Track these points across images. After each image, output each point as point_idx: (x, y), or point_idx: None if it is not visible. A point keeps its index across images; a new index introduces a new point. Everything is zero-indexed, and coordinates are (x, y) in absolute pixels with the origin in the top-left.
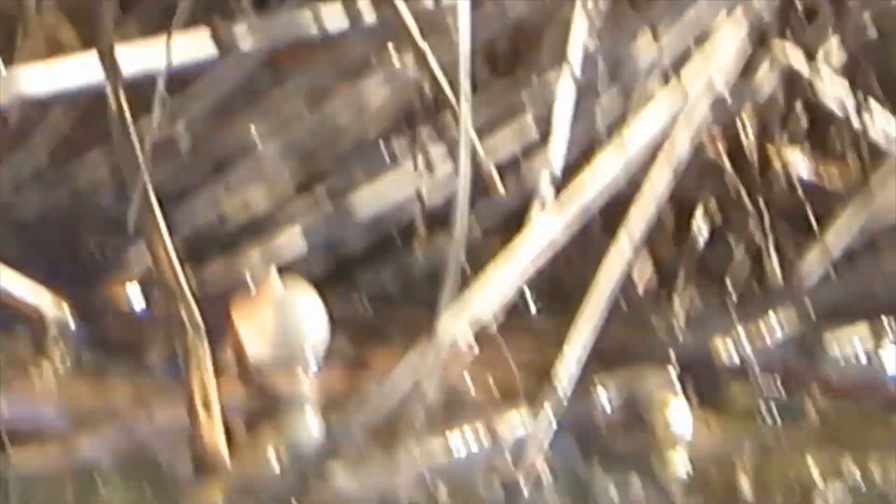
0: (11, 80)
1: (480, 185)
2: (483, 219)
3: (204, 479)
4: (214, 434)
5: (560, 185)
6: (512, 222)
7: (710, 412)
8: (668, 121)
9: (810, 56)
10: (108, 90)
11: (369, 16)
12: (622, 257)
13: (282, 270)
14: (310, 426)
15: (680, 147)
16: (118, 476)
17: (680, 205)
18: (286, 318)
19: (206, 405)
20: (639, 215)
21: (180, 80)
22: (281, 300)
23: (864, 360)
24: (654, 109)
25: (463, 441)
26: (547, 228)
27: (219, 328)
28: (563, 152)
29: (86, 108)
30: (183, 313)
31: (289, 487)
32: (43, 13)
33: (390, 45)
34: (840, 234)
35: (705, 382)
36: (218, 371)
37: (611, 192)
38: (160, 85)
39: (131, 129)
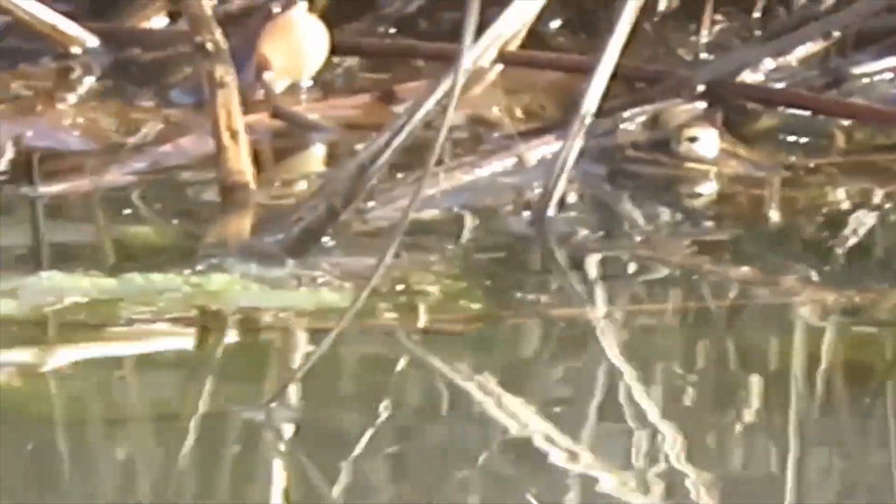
0: None
1: None
2: None
3: (231, 206)
4: (240, 160)
5: None
6: None
7: (736, 139)
8: None
9: None
10: None
11: None
12: None
13: None
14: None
15: None
16: (144, 203)
17: None
18: (302, 42)
19: (232, 131)
20: None
21: None
22: (299, 25)
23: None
24: None
25: (489, 166)
26: None
27: (245, 55)
28: None
29: None
30: (208, 40)
31: (317, 213)
32: None
33: None
34: None
35: (731, 109)
36: (244, 98)
37: None
38: None
39: None
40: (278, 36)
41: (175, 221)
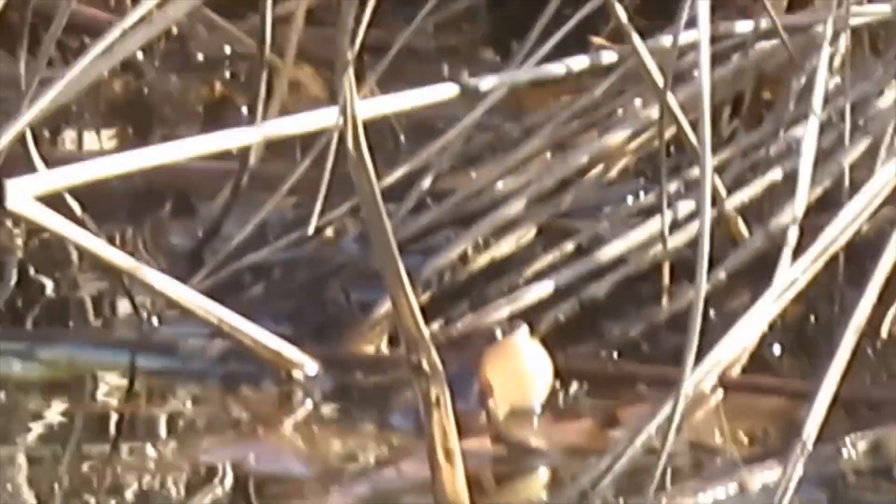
0: (260, 132)
1: (725, 231)
2: (728, 264)
3: None
4: (456, 482)
5: (804, 229)
6: (757, 267)
7: None
8: None
9: None
10: (349, 139)
11: (611, 59)
12: (868, 303)
13: (526, 320)
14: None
15: None
16: None
17: None
18: (526, 368)
19: (447, 452)
20: (884, 262)
21: (423, 128)
22: (523, 351)
23: None
24: None
25: (711, 493)
26: (791, 273)
27: (466, 380)
28: (806, 197)
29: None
30: (424, 362)
31: None
32: (287, 62)
33: (633, 90)
34: None
35: None
36: (464, 422)
37: (854, 237)
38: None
39: (372, 177)
40: (501, 361)
41: None
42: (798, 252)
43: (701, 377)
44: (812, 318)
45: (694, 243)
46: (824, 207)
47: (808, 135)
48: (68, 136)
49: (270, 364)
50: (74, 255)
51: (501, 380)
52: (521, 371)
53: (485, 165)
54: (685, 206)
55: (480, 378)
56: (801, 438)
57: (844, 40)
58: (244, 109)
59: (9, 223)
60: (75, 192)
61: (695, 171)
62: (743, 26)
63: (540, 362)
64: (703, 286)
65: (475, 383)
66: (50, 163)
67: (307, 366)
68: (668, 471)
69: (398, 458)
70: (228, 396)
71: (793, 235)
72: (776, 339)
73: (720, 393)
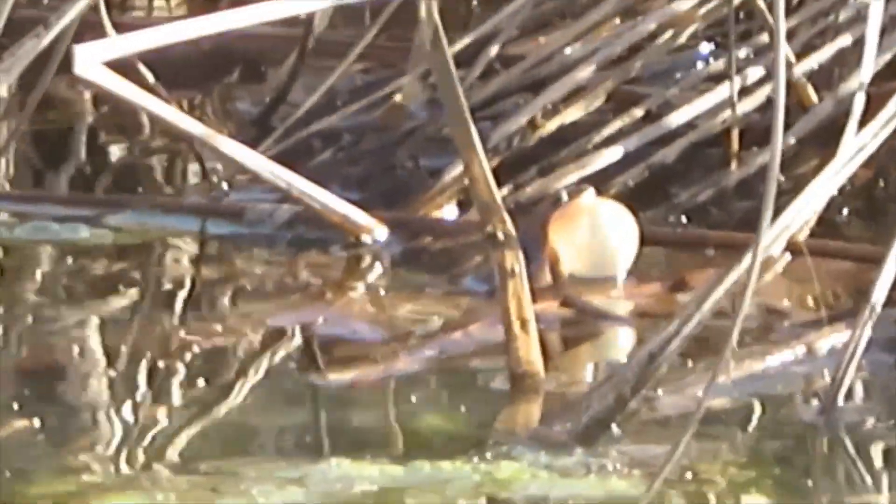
0: None
1: (795, 97)
2: (798, 130)
3: (520, 394)
4: (530, 349)
5: (872, 95)
6: (826, 133)
7: None
8: None
9: None
10: (421, 4)
11: None
12: None
13: (595, 186)
14: (627, 342)
15: None
16: (434, 392)
17: None
18: (600, 232)
19: (522, 320)
20: None
21: None
22: (595, 214)
23: None
24: None
25: (779, 355)
26: (860, 139)
27: (534, 243)
28: (874, 62)
29: (398, 21)
30: (498, 229)
31: (606, 402)
32: None
33: None
34: None
35: None
36: (533, 286)
37: None
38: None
39: (445, 44)
40: (567, 224)
41: (464, 409)
42: (866, 118)
43: (770, 242)
44: (881, 182)
45: (763, 109)
46: (893, 74)
47: (875, 0)
48: (138, 2)
49: (339, 229)
50: (145, 122)
51: (568, 242)
52: (591, 232)
53: (554, 31)
54: (754, 72)
55: (547, 242)
56: (870, 302)
57: None
58: None
59: (80, 89)
60: (145, 58)
61: (764, 37)
62: None
63: (621, 226)
64: (779, 151)
65: (543, 247)
66: (120, 29)
67: (376, 230)
68: (737, 334)
69: (467, 321)
70: (297, 261)
71: (860, 101)
72: (845, 204)
73: (788, 257)
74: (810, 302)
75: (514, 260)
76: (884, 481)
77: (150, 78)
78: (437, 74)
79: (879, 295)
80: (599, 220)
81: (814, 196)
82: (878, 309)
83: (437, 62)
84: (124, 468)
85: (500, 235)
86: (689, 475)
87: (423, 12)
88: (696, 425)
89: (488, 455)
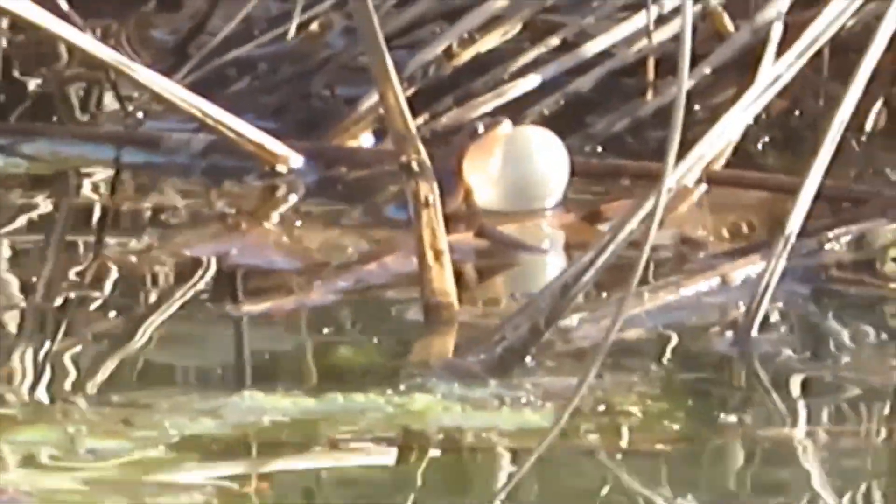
0: None
1: (711, 26)
2: (714, 59)
3: (434, 325)
4: (444, 280)
5: (788, 24)
6: (742, 62)
7: None
8: None
9: None
10: None
11: None
12: (853, 97)
13: (511, 115)
14: (542, 272)
15: None
16: (348, 322)
17: None
18: (518, 163)
19: (436, 251)
20: (870, 57)
21: None
22: (513, 145)
23: None
24: None
25: (694, 286)
26: (776, 69)
27: (450, 174)
28: None
29: None
30: (412, 159)
31: (520, 333)
32: None
33: None
34: None
35: None
36: (449, 217)
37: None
38: None
39: None
40: (482, 156)
41: (378, 341)
42: (783, 48)
43: (684, 171)
44: (797, 113)
45: (679, 38)
46: (810, 3)
47: None
48: None
49: (255, 158)
50: (61, 50)
51: (482, 174)
52: (505, 164)
53: None
54: (671, 1)
55: (461, 173)
56: (785, 232)
57: None
58: None
59: None
60: None
61: None
62: None
63: (546, 155)
64: (686, 80)
65: (457, 179)
66: None
67: (292, 159)
68: (652, 264)
69: (382, 252)
70: (213, 190)
71: (777, 31)
72: (761, 134)
73: (704, 187)
74: (726, 232)
75: (429, 190)
76: (798, 412)
77: (65, 5)
78: (353, 1)
79: (794, 225)
80: (518, 150)
81: (728, 126)
82: (793, 239)
83: None
84: (36, 400)
85: (415, 165)
86: (602, 407)
87: None
88: (605, 355)
89: (402, 387)
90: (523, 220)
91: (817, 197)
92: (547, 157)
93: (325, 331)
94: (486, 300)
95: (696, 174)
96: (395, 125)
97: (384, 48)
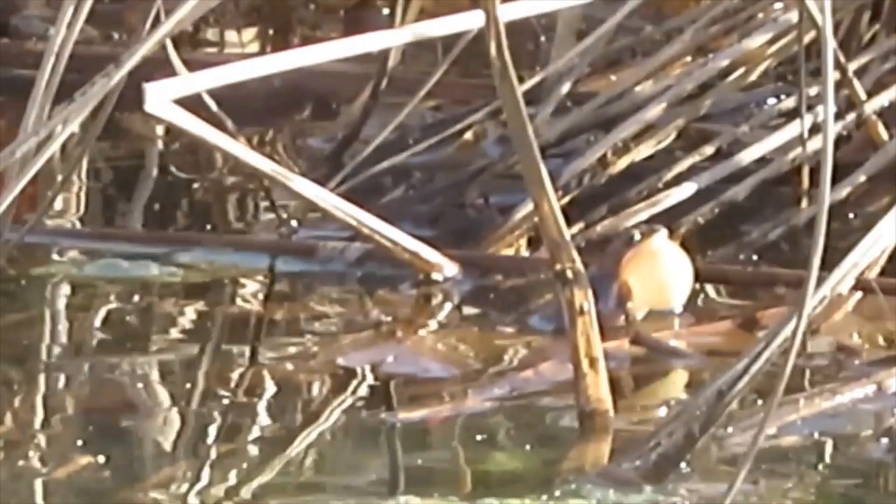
0: (401, 34)
1: (865, 134)
2: (869, 167)
3: (589, 432)
4: (599, 387)
5: None
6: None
7: None
8: None
9: None
10: (491, 40)
11: None
12: None
13: (665, 223)
14: (697, 380)
15: None
16: (503, 429)
17: None
18: (664, 269)
19: (591, 358)
20: None
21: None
22: (662, 254)
23: None
24: None
25: (849, 393)
26: None
27: (606, 282)
28: None
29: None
30: (567, 267)
31: (675, 439)
32: None
33: None
34: None
35: None
36: (605, 324)
37: None
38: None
39: (514, 80)
40: (640, 264)
41: (533, 447)
42: None
43: (838, 279)
44: None
45: (833, 146)
46: None
47: None
48: (209, 38)
49: (409, 266)
50: (217, 158)
51: (640, 282)
52: (661, 273)
53: (625, 69)
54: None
55: (619, 280)
56: None
57: None
58: (384, 11)
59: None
60: (216, 94)
61: (835, 75)
62: None
63: (680, 264)
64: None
65: (614, 286)
66: (190, 66)
67: (446, 268)
68: (808, 371)
69: (537, 360)
70: (367, 298)
71: None
72: None
73: (859, 294)
74: (882, 340)
75: (584, 298)
76: None
77: (220, 114)
78: (507, 111)
79: None
80: (665, 258)
81: (882, 234)
82: None
83: (506, 98)
84: None
85: (569, 273)
86: None
87: (492, 48)
88: (760, 462)
89: (556, 493)
90: (679, 329)
91: None
92: (678, 263)
93: (479, 437)
94: (641, 407)
95: (849, 282)
96: (550, 233)
97: (538, 156)
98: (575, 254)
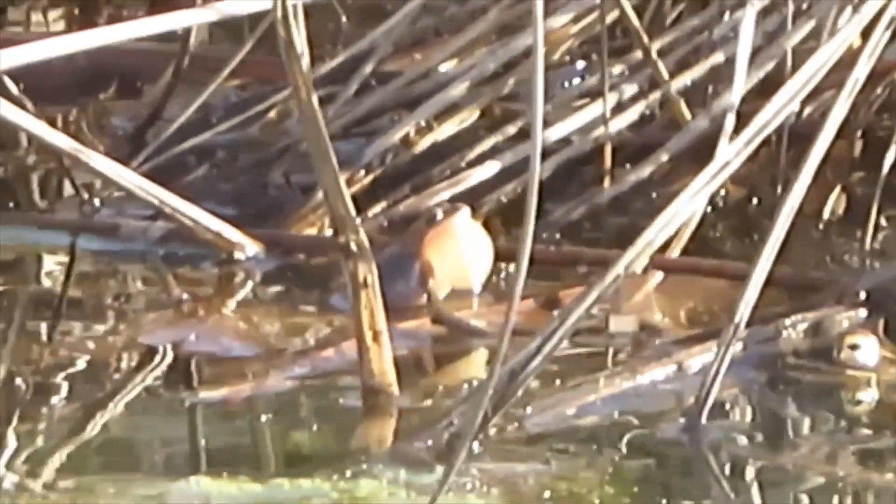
0: (203, 13)
1: (668, 113)
2: (672, 146)
3: (373, 408)
4: (383, 361)
5: (743, 113)
6: (700, 150)
7: None
8: (848, 53)
9: None
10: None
11: None
12: (803, 184)
13: (468, 202)
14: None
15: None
16: (301, 408)
17: (866, 134)
18: (463, 249)
19: (374, 331)
20: (820, 144)
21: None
22: (463, 233)
23: None
24: (836, 42)
25: (650, 373)
26: (730, 155)
27: (409, 260)
28: (745, 80)
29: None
30: (351, 240)
31: (468, 420)
32: None
33: None
34: None
35: (892, 317)
36: (407, 303)
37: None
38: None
39: (302, 58)
40: (442, 242)
41: (329, 428)
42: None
43: (632, 257)
44: (755, 201)
45: (636, 126)
46: (767, 91)
47: (747, 18)
48: (15, 17)
49: (211, 245)
50: (20, 137)
51: (441, 261)
52: (462, 252)
53: (429, 48)
54: (628, 89)
55: (421, 259)
56: (734, 319)
57: None
58: None
59: None
60: (20, 73)
61: (637, 54)
62: None
63: (480, 244)
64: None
65: (416, 264)
66: None
67: (248, 247)
68: (610, 351)
69: (339, 339)
70: (169, 277)
71: (731, 119)
72: (719, 222)
73: (660, 274)
74: (684, 320)
75: (367, 271)
76: (747, 498)
77: (16, 92)
78: (293, 87)
79: (743, 311)
80: (467, 237)
81: (677, 212)
82: (742, 326)
83: (292, 75)
84: None
85: (353, 246)
86: (547, 494)
87: (279, 26)
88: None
89: (348, 473)
90: (480, 307)
91: (774, 283)
92: (476, 242)
93: (279, 417)
94: (440, 386)
95: (644, 261)
96: (334, 206)
97: (325, 135)
98: (359, 227)
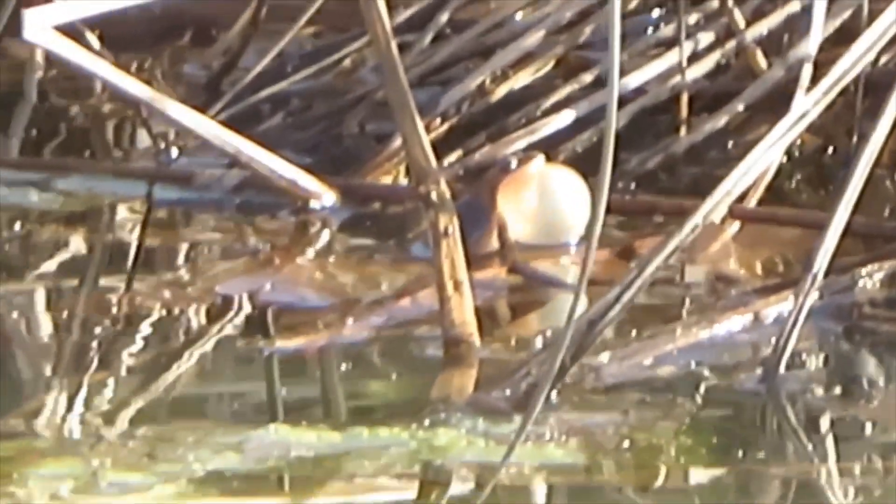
0: None
1: (744, 63)
2: (747, 96)
3: (454, 358)
4: (464, 310)
5: (820, 62)
6: (776, 99)
7: None
8: None
9: None
10: None
11: None
12: (881, 133)
13: (544, 152)
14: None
15: None
16: (378, 358)
17: None
18: (549, 199)
19: (455, 281)
20: None
21: None
22: (545, 181)
23: None
24: None
25: (726, 323)
26: (807, 105)
27: (483, 210)
28: (821, 29)
29: None
30: (432, 190)
31: (546, 370)
32: None
33: None
34: None
35: None
36: (481, 252)
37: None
38: None
39: (382, 7)
40: (515, 191)
41: (406, 376)
42: (815, 84)
43: (711, 207)
44: (831, 150)
45: (712, 75)
46: (843, 41)
47: None
48: None
49: (287, 194)
50: (95, 85)
51: (516, 210)
52: (543, 201)
53: None
54: (704, 38)
55: (494, 208)
56: (812, 269)
57: None
58: None
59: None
60: (96, 21)
61: (713, 3)
62: None
63: (575, 194)
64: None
65: (489, 213)
66: None
67: (324, 196)
68: (686, 301)
69: (415, 288)
70: (245, 227)
71: (808, 68)
72: (794, 172)
73: (737, 224)
74: (760, 270)
75: (448, 221)
76: (823, 450)
77: (97, 42)
78: (373, 37)
79: (821, 262)
80: (549, 186)
81: (755, 162)
82: (820, 276)
83: (373, 24)
84: (64, 434)
85: (434, 196)
86: (626, 444)
87: None
88: (633, 392)
89: (426, 422)
90: (558, 257)
91: (850, 233)
92: (572, 194)
93: (356, 367)
94: (517, 336)
95: (723, 211)
96: (414, 157)
97: (405, 85)
98: (440, 177)
